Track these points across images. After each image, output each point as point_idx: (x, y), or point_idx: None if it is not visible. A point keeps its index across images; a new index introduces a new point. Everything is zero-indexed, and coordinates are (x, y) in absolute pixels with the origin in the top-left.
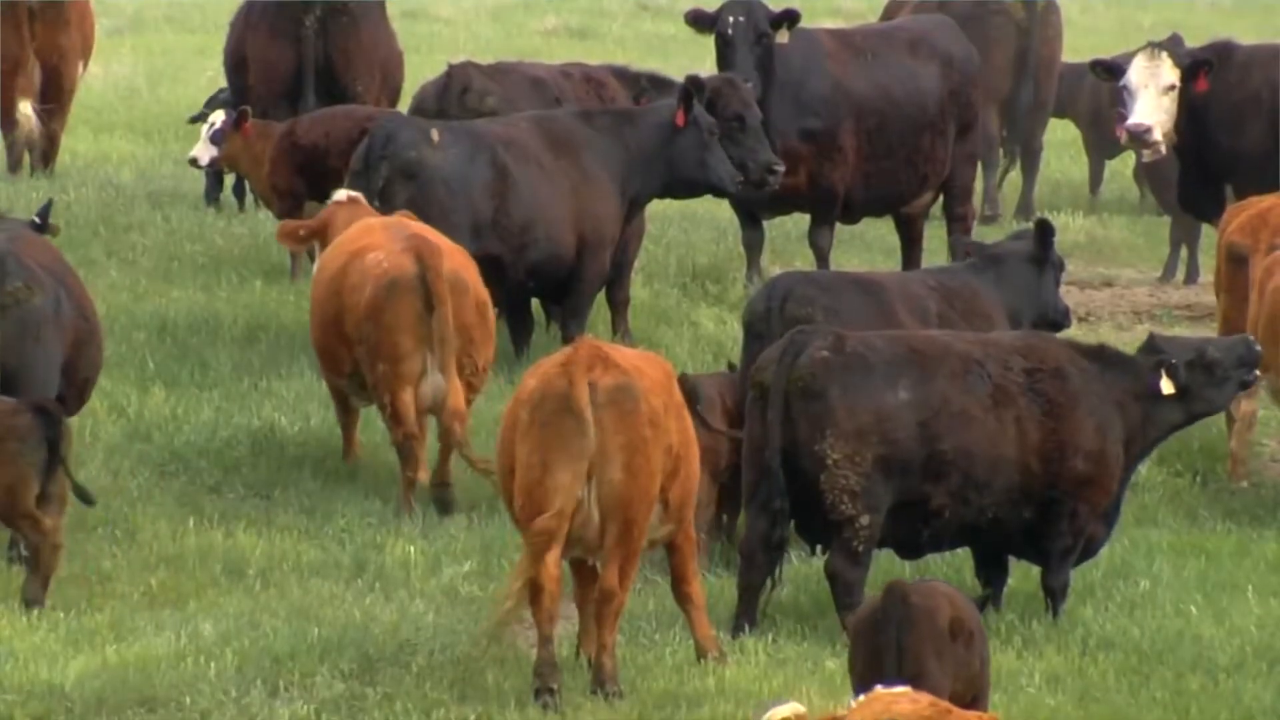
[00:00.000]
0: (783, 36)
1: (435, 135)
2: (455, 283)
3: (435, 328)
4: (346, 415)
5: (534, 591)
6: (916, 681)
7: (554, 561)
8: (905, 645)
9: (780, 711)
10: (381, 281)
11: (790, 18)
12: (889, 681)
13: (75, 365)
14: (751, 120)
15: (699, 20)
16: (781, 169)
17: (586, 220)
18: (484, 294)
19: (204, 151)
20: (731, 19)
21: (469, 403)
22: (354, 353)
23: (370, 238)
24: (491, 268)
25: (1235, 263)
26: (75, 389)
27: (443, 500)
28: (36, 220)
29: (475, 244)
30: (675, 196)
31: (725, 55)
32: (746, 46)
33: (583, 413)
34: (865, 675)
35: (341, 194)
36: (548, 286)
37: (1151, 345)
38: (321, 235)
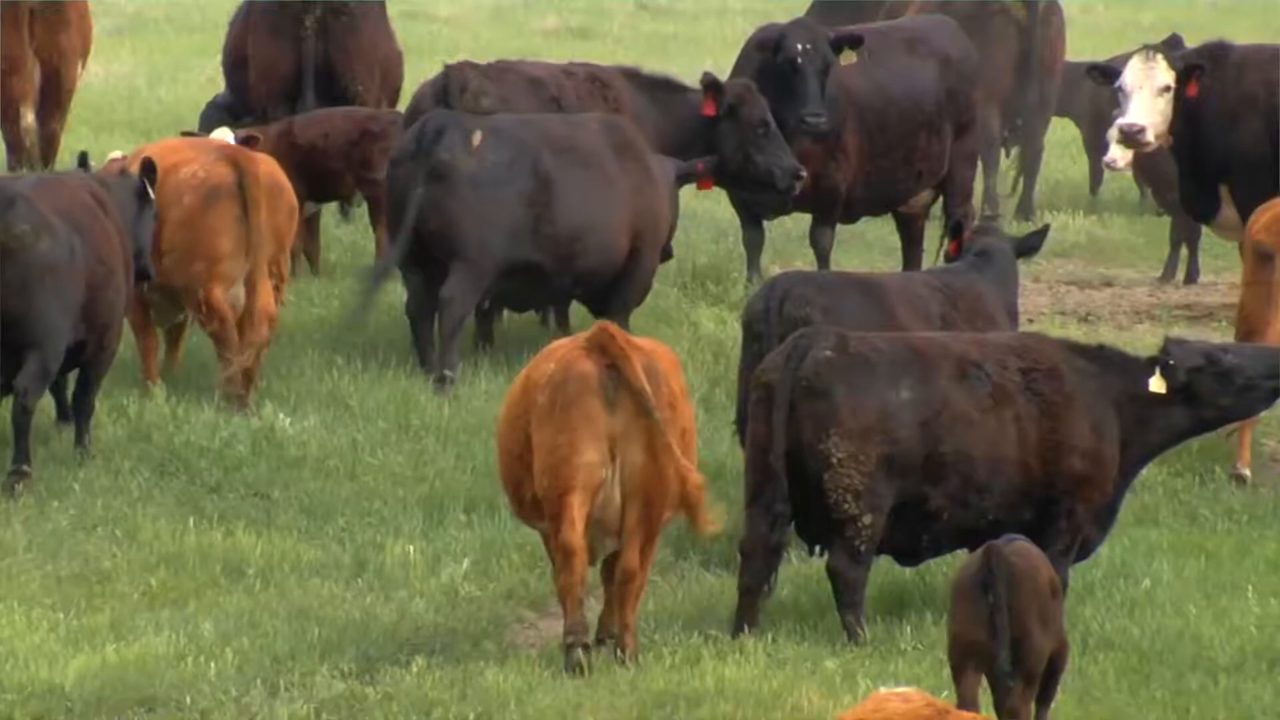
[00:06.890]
0: (846, 59)
1: (477, 138)
2: (270, 187)
3: (249, 233)
4: (147, 340)
5: (564, 556)
6: (1020, 642)
7: (581, 523)
8: (1012, 607)
9: (891, 693)
10: (200, 191)
11: (853, 40)
12: (995, 643)
13: (93, 310)
14: (775, 126)
15: (764, 45)
16: (804, 174)
17: (641, 222)
18: (294, 199)
19: None
20: (800, 46)
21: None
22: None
23: (180, 154)
24: (533, 275)
25: (1260, 259)
26: (95, 335)
27: (240, 398)
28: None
29: (512, 251)
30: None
31: (791, 82)
32: (814, 74)
33: (603, 390)
34: (963, 636)
35: (117, 153)
36: (592, 293)
37: (1164, 347)
38: None
